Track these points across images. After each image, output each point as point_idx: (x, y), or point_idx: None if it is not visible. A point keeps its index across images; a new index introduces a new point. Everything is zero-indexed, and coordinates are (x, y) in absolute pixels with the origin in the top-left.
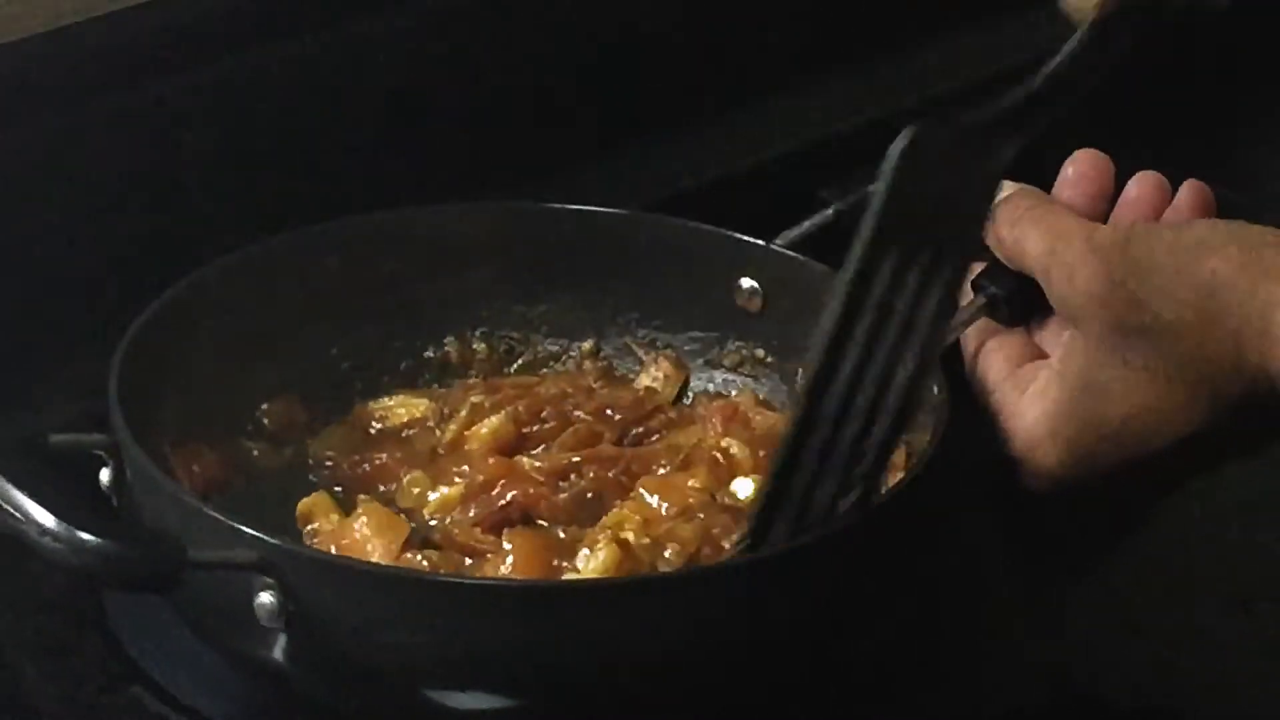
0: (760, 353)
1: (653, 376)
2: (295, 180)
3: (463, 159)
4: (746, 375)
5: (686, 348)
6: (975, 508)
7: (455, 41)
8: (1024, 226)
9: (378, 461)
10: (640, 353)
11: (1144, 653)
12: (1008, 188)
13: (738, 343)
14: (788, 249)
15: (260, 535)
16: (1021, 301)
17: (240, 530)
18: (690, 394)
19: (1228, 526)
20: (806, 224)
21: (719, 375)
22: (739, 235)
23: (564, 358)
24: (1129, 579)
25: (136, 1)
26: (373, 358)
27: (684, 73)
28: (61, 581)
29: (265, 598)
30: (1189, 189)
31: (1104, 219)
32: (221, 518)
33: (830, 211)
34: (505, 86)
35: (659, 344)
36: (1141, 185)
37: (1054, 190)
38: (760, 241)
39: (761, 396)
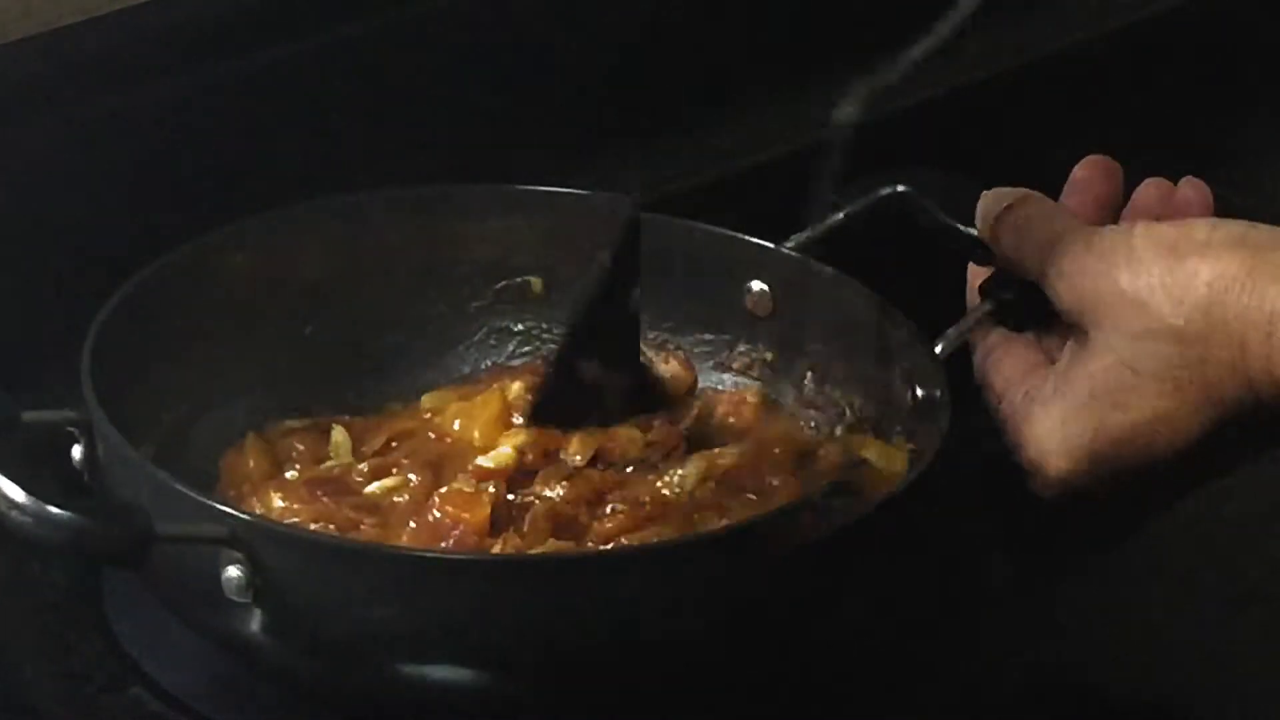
0: (769, 355)
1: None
2: (296, 179)
3: (469, 159)
4: (755, 378)
5: (696, 350)
6: (975, 507)
7: (459, 41)
8: (1024, 231)
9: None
10: (650, 353)
11: (1144, 653)
12: (1011, 194)
13: (746, 345)
14: (798, 252)
15: (228, 509)
16: (1029, 306)
17: (209, 505)
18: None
19: (1228, 526)
20: (817, 227)
21: (728, 378)
22: (749, 238)
23: None
24: (1129, 579)
25: (136, 1)
26: (349, 338)
27: (693, 69)
28: (61, 581)
29: (232, 571)
30: (1188, 187)
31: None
32: (190, 492)
33: (841, 215)
34: (514, 85)
35: (669, 345)
36: (1149, 191)
37: (1062, 195)
38: (770, 245)
39: (771, 399)
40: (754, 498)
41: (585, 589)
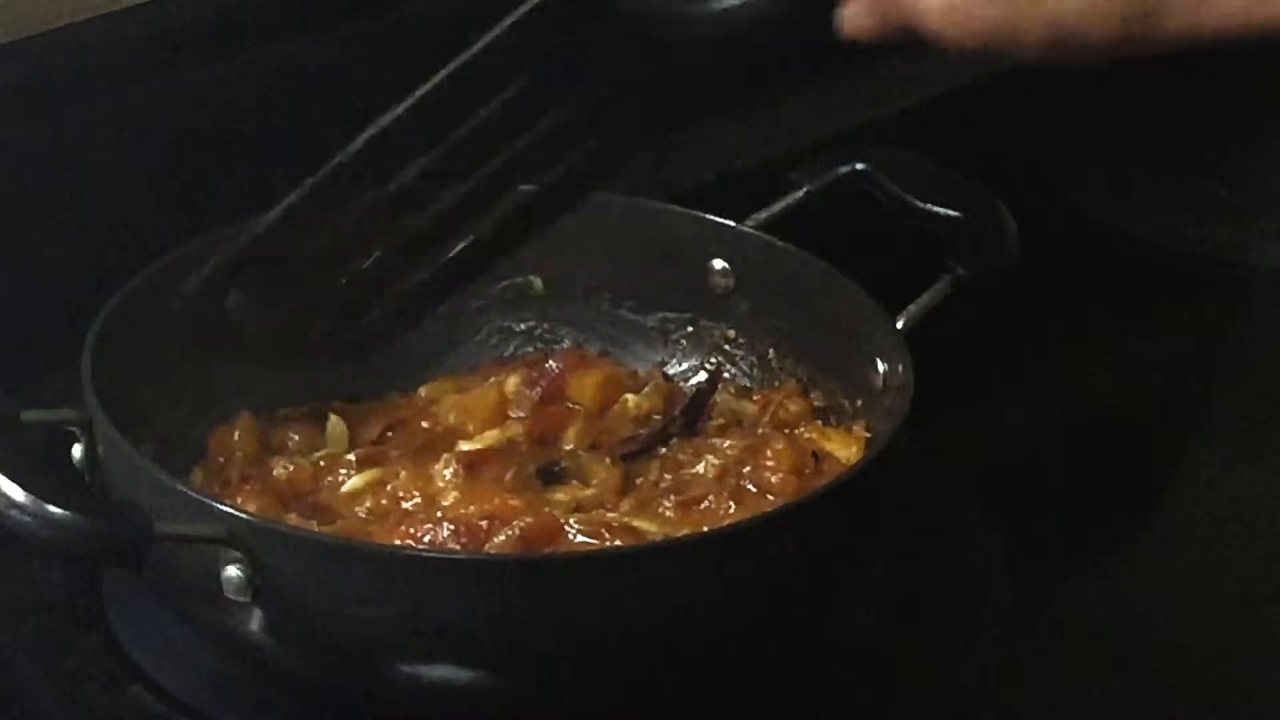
0: (731, 333)
1: None
2: (296, 179)
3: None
4: (718, 355)
5: (658, 327)
6: (972, 506)
7: (459, 41)
8: None
9: None
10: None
11: (1144, 653)
12: None
13: (709, 322)
14: (758, 230)
15: (228, 509)
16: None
17: (208, 504)
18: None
19: (1228, 526)
20: (777, 206)
21: (691, 356)
22: (710, 216)
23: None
24: (1129, 579)
25: (136, 1)
26: None
27: None
28: (61, 581)
29: (232, 571)
30: None
31: None
32: (189, 491)
33: (801, 193)
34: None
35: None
36: None
37: None
38: (731, 223)
39: (730, 374)
40: (754, 490)
41: (584, 589)
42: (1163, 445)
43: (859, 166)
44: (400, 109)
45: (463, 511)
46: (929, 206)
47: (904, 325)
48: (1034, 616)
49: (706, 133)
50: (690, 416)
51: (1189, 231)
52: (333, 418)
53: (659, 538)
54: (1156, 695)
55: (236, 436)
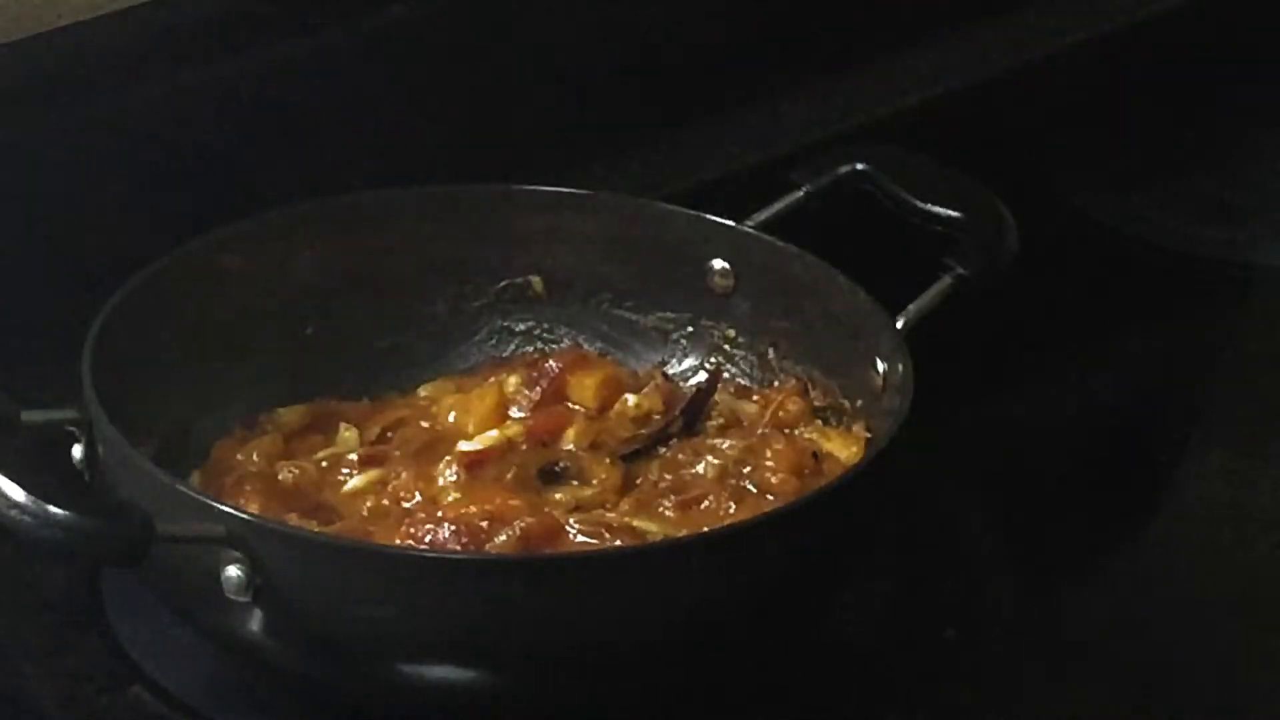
0: (731, 332)
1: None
2: (295, 179)
3: (469, 159)
4: (718, 355)
5: (658, 327)
6: (973, 507)
7: (459, 41)
8: None
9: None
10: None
11: (1144, 653)
12: None
13: (709, 322)
14: (758, 230)
15: (229, 509)
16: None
17: (209, 504)
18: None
19: (1228, 526)
20: (777, 206)
21: (690, 356)
22: (709, 216)
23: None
24: (1129, 579)
25: (136, 1)
26: (349, 338)
27: (693, 70)
28: (61, 581)
29: (232, 571)
30: None
31: None
32: (190, 491)
33: (801, 193)
34: (514, 85)
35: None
36: None
37: None
38: (730, 222)
39: (730, 374)
40: (754, 490)
41: (584, 589)
42: (1163, 445)
43: (859, 166)
44: None
45: (463, 511)
46: (929, 206)
47: (904, 325)
48: (1034, 616)
49: (706, 133)
50: (690, 416)
51: (1189, 231)
52: (343, 427)
53: (659, 538)
54: (1157, 695)
55: (239, 458)
